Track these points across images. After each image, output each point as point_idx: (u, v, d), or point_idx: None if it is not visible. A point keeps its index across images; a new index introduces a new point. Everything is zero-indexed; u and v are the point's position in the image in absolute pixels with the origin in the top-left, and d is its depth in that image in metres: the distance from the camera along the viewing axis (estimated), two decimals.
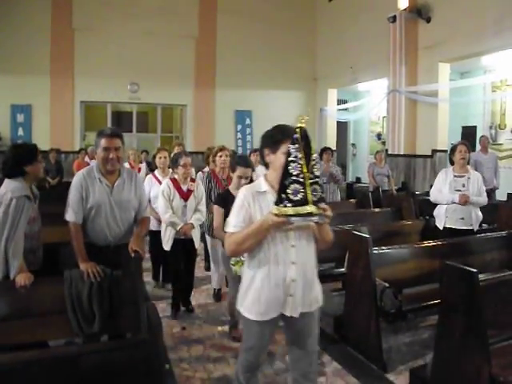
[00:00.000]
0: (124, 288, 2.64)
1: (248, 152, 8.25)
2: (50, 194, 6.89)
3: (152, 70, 11.04)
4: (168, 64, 11.16)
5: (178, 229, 4.14)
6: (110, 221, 2.97)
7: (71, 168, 9.53)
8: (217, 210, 3.50)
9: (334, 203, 6.65)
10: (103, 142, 2.92)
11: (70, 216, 2.92)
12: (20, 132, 10.78)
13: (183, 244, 4.29)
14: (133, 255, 2.81)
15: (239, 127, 12.34)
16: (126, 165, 7.28)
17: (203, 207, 4.37)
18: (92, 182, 2.97)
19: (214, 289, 4.91)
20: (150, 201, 4.75)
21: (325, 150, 7.60)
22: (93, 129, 11.04)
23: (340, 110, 12.65)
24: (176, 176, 4.33)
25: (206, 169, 5.45)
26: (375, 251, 3.52)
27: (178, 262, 4.36)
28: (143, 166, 7.85)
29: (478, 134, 9.43)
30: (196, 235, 4.34)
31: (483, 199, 4.43)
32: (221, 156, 4.69)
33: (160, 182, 4.88)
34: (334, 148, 10.74)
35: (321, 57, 12.62)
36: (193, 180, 4.41)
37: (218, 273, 4.72)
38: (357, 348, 3.56)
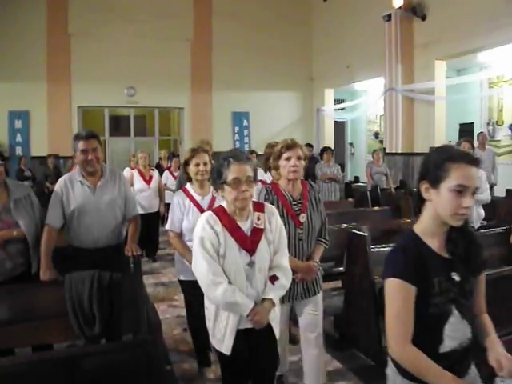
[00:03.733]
0: (124, 289, 2.65)
1: None
2: (48, 199, 6.88)
3: (149, 73, 11.05)
4: (164, 67, 11.18)
5: (246, 314, 2.12)
6: (95, 222, 3.02)
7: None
8: (400, 290, 1.48)
9: (333, 202, 6.70)
10: (80, 144, 2.98)
11: (47, 219, 2.97)
12: (18, 138, 10.77)
13: (252, 338, 2.23)
14: (130, 256, 2.86)
15: (237, 129, 12.35)
16: (136, 172, 6.40)
17: (285, 260, 2.29)
18: (73, 185, 3.04)
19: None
20: (181, 233, 3.08)
21: (325, 149, 7.64)
22: None
23: (337, 109, 12.67)
24: (225, 204, 2.24)
25: (267, 177, 3.65)
26: (374, 249, 3.53)
27: (245, 371, 2.30)
28: (156, 173, 6.54)
29: (476, 131, 9.44)
30: (275, 318, 2.27)
31: (484, 197, 4.44)
32: (289, 158, 2.70)
33: (199, 206, 3.05)
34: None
35: (317, 57, 12.64)
36: (259, 207, 2.28)
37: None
38: (357, 346, 3.57)
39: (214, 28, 11.81)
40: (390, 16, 9.17)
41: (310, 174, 7.46)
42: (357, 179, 12.07)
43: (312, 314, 2.82)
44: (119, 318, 2.64)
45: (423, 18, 8.77)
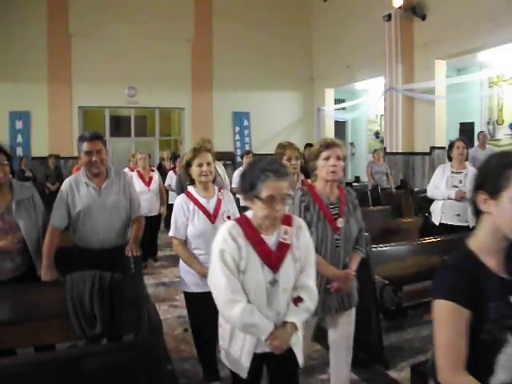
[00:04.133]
0: (125, 290, 2.66)
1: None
2: (49, 200, 6.89)
3: (149, 73, 11.05)
4: (165, 68, 11.18)
5: (264, 338, 1.90)
6: (101, 223, 3.03)
7: (70, 173, 9.53)
8: (451, 313, 1.32)
9: None
10: (85, 146, 2.99)
11: (51, 220, 2.98)
12: (19, 139, 10.79)
13: (271, 363, 2.10)
14: (130, 256, 2.87)
15: (237, 129, 12.36)
16: (135, 174, 6.07)
17: (312, 281, 2.07)
18: (78, 186, 3.05)
19: None
20: (186, 240, 2.89)
21: None
22: None
23: (337, 109, 12.67)
24: (249, 214, 2.01)
25: None
26: (374, 249, 3.54)
27: None
28: (156, 174, 6.29)
29: (476, 130, 9.45)
30: (298, 343, 2.06)
31: None
32: (327, 158, 2.51)
33: (205, 210, 2.87)
34: None
35: (317, 57, 12.65)
36: (287, 220, 2.04)
37: None
38: (358, 345, 3.56)
39: (214, 28, 11.81)
40: (389, 16, 9.17)
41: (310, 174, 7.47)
42: (357, 179, 12.05)
43: (344, 330, 2.65)
44: (120, 318, 2.64)
45: (423, 17, 8.76)
